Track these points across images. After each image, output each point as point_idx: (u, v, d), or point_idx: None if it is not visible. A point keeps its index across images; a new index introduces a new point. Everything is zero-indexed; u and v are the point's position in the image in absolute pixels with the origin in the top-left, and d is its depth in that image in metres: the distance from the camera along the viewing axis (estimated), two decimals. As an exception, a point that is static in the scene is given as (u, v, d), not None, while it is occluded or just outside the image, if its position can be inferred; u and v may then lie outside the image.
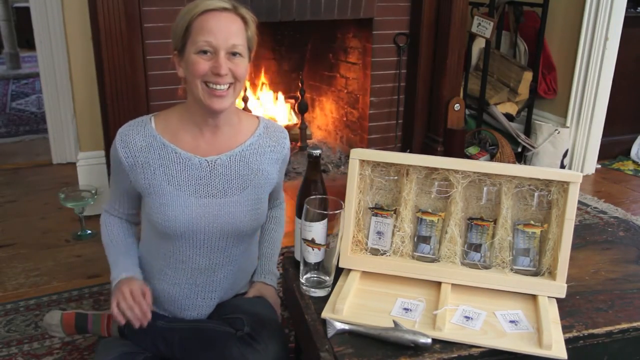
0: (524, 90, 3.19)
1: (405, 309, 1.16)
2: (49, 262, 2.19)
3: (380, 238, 1.29)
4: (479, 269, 1.25)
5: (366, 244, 1.29)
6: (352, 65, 3.01)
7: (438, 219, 1.28)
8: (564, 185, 1.20)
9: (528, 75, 3.16)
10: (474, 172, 1.24)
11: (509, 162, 2.99)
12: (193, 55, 1.24)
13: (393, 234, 1.28)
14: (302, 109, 3.08)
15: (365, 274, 1.27)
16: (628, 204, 2.87)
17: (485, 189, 1.26)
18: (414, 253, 1.28)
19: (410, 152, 2.92)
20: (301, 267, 1.21)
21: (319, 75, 3.31)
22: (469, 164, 1.23)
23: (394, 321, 1.07)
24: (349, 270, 1.27)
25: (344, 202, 1.22)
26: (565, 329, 1.11)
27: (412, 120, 2.95)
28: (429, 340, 1.03)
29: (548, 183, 1.22)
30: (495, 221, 1.26)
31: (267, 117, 2.71)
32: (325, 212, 1.16)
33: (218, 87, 1.26)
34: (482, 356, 1.06)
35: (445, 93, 2.83)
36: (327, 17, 2.64)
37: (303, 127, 3.14)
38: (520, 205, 1.26)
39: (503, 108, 3.19)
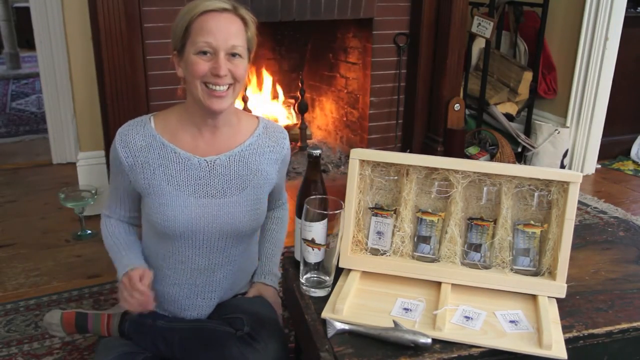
0: (524, 90, 3.19)
1: (405, 309, 1.16)
2: (49, 262, 2.19)
3: (380, 238, 1.29)
4: (479, 269, 1.25)
5: (366, 244, 1.29)
6: (352, 65, 3.01)
7: (438, 219, 1.28)
8: (564, 185, 1.20)
9: (528, 75, 3.16)
10: (474, 172, 1.24)
11: (509, 162, 2.99)
12: (192, 55, 1.24)
13: (393, 234, 1.28)
14: (302, 109, 3.08)
15: (365, 274, 1.27)
16: (628, 204, 2.87)
17: (485, 189, 1.26)
18: (414, 253, 1.28)
19: (410, 152, 2.92)
20: (301, 267, 1.21)
21: (319, 75, 3.30)
22: (469, 164, 1.23)
23: (394, 321, 1.07)
24: (349, 270, 1.27)
25: (344, 202, 1.22)
26: (565, 329, 1.11)
27: (412, 120, 2.94)
28: (429, 340, 1.03)
29: (548, 183, 1.22)
30: (495, 221, 1.26)
31: (268, 117, 2.72)
32: (325, 212, 1.16)
33: (217, 87, 1.26)
34: (482, 356, 1.06)
35: (445, 93, 2.83)
36: (327, 17, 2.63)
37: (303, 127, 3.13)
38: (520, 205, 1.26)
39: (503, 108, 3.19)
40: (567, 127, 3.18)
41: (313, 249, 1.17)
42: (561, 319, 1.14)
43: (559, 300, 1.19)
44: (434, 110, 2.92)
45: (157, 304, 1.41)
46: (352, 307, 1.15)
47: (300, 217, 1.19)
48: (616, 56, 3.05)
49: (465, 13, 2.74)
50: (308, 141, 3.21)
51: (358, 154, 1.26)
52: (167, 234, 1.34)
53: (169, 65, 1.36)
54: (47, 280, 2.06)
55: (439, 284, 1.23)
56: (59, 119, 3.09)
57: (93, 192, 2.36)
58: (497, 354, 1.06)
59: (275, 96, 3.29)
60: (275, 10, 2.50)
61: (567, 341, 1.08)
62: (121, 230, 1.45)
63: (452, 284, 1.22)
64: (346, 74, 3.08)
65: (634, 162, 3.46)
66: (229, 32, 1.25)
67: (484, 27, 2.99)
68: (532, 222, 1.25)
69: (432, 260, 1.27)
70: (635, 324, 1.14)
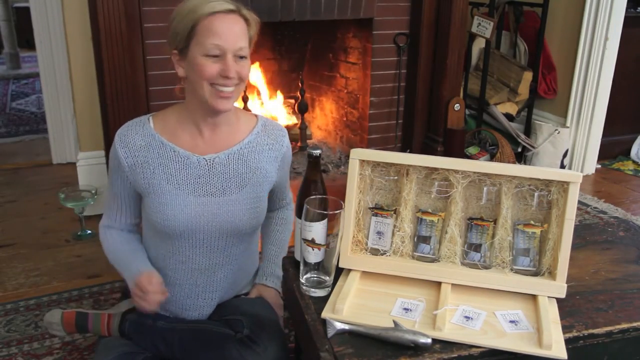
0: (524, 90, 3.19)
1: (405, 309, 1.16)
2: (49, 262, 2.19)
3: (380, 238, 1.29)
4: (479, 269, 1.24)
5: (366, 244, 1.29)
6: (352, 65, 3.01)
7: (438, 219, 1.27)
8: (564, 185, 1.20)
9: (528, 75, 3.17)
10: (474, 172, 1.24)
11: (509, 162, 2.99)
12: (201, 57, 1.24)
13: (393, 234, 1.28)
14: (302, 109, 3.08)
15: (365, 274, 1.27)
16: (628, 204, 2.87)
17: (485, 189, 1.26)
18: (414, 253, 1.28)
19: (410, 152, 2.92)
20: (301, 267, 1.21)
21: (319, 75, 3.30)
22: (469, 164, 1.23)
23: (394, 321, 1.07)
24: (349, 270, 1.26)
25: (344, 202, 1.21)
26: (565, 329, 1.11)
27: (412, 120, 2.94)
28: (429, 340, 1.03)
29: (548, 183, 1.22)
30: (495, 221, 1.26)
31: (269, 117, 2.71)
32: (325, 212, 1.16)
33: (225, 89, 1.27)
34: (482, 356, 1.06)
35: (445, 93, 2.83)
36: (327, 17, 2.63)
37: (303, 127, 3.13)
38: (520, 205, 1.26)
39: (503, 108, 3.19)
40: (567, 127, 3.18)
41: (313, 249, 1.17)
42: (561, 319, 1.13)
43: (559, 300, 1.19)
44: (434, 110, 2.92)
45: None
46: (352, 307, 1.15)
47: (300, 217, 1.19)
48: (616, 56, 3.05)
49: (465, 13, 2.74)
50: (308, 141, 3.21)
51: (358, 154, 1.26)
52: (168, 233, 1.34)
53: (169, 65, 1.36)
54: (47, 280, 2.06)
55: (439, 284, 1.23)
56: (59, 119, 3.09)
57: (93, 192, 2.36)
58: (497, 354, 1.06)
59: (272, 96, 3.30)
60: (275, 10, 2.50)
61: (567, 341, 1.08)
62: (122, 240, 1.43)
63: (452, 284, 1.22)
64: (346, 74, 3.08)
65: (634, 162, 3.46)
66: (236, 34, 1.25)
67: (484, 27, 2.99)
68: (532, 222, 1.25)
69: (432, 260, 1.27)
70: (635, 324, 1.14)
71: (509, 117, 3.20)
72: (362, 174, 1.28)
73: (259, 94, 3.24)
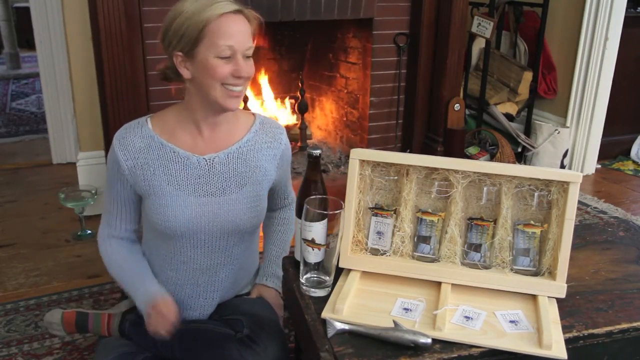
0: (524, 90, 3.19)
1: (405, 309, 1.15)
2: (49, 262, 2.19)
3: (380, 238, 1.29)
4: (479, 269, 1.24)
5: (366, 244, 1.29)
6: (352, 65, 3.01)
7: (438, 219, 1.27)
8: (564, 185, 1.20)
9: (528, 75, 3.17)
10: (474, 172, 1.24)
11: (509, 162, 2.99)
12: (213, 59, 1.24)
13: (393, 234, 1.28)
14: (302, 109, 3.08)
15: (365, 274, 1.27)
16: (628, 204, 2.87)
17: (485, 189, 1.26)
18: (414, 253, 1.28)
19: (410, 152, 2.92)
20: (301, 267, 1.21)
21: (319, 75, 3.30)
22: (469, 164, 1.23)
23: (394, 321, 1.07)
24: (349, 270, 1.26)
25: (344, 202, 1.21)
26: (565, 329, 1.11)
27: (412, 120, 2.94)
28: (429, 340, 1.03)
29: (548, 183, 1.22)
30: (495, 221, 1.26)
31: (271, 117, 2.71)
32: (325, 212, 1.16)
33: (236, 88, 1.28)
34: (482, 356, 1.06)
35: (445, 93, 2.83)
36: (327, 17, 2.63)
37: (303, 127, 3.13)
38: (520, 205, 1.26)
39: (503, 108, 3.19)
40: (567, 127, 3.18)
41: (313, 249, 1.17)
42: (561, 319, 1.13)
43: (559, 300, 1.19)
44: (434, 110, 2.91)
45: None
46: (352, 307, 1.15)
47: (300, 217, 1.19)
48: (616, 56, 3.05)
49: (465, 13, 2.74)
50: (308, 141, 3.21)
51: (358, 154, 1.26)
52: (169, 234, 1.34)
53: (160, 66, 1.37)
54: (47, 280, 2.06)
55: (439, 284, 1.23)
56: (59, 119, 3.09)
57: (93, 192, 2.36)
58: (497, 354, 1.06)
59: (274, 97, 3.30)
60: (275, 10, 2.50)
61: (567, 341, 1.08)
62: (126, 254, 1.41)
63: (452, 284, 1.22)
64: (346, 74, 3.08)
65: (634, 162, 3.46)
66: (244, 34, 1.27)
67: (484, 27, 2.99)
68: (532, 222, 1.25)
69: (432, 260, 1.27)
70: (635, 324, 1.14)
71: (509, 117, 3.20)
72: (362, 174, 1.28)
73: (259, 93, 3.24)
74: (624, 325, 1.13)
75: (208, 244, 1.37)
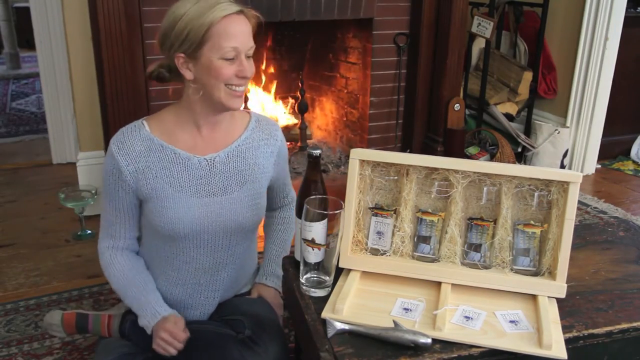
0: (524, 90, 3.19)
1: (405, 309, 1.15)
2: (49, 262, 2.19)
3: (380, 238, 1.29)
4: (479, 269, 1.24)
5: (366, 244, 1.29)
6: (352, 65, 3.01)
7: (438, 219, 1.27)
8: (564, 185, 1.20)
9: (528, 75, 3.16)
10: (474, 172, 1.24)
11: (509, 162, 2.99)
12: (218, 60, 1.24)
13: (393, 234, 1.28)
14: (302, 109, 3.08)
15: (365, 274, 1.27)
16: (628, 204, 2.87)
17: (485, 189, 1.26)
18: (414, 253, 1.28)
19: (410, 152, 2.92)
20: (301, 267, 1.21)
21: (319, 75, 3.30)
22: (469, 164, 1.23)
23: (394, 321, 1.07)
24: (349, 270, 1.26)
25: (344, 202, 1.21)
26: (565, 329, 1.11)
27: (412, 120, 2.94)
28: (429, 340, 1.03)
29: (548, 183, 1.22)
30: (495, 221, 1.26)
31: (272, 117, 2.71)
32: (325, 212, 1.16)
33: (240, 88, 1.29)
34: (482, 356, 1.06)
35: (445, 93, 2.83)
36: (327, 17, 2.63)
37: (303, 127, 3.13)
38: (520, 205, 1.26)
39: (503, 108, 3.19)
40: (567, 127, 3.18)
41: (313, 249, 1.17)
42: (561, 319, 1.13)
43: (559, 300, 1.19)
44: (434, 110, 2.91)
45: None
46: (352, 307, 1.15)
47: (300, 217, 1.19)
48: (616, 56, 3.05)
49: (465, 13, 2.74)
50: (308, 141, 3.21)
51: (358, 154, 1.26)
52: (172, 236, 1.34)
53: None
54: (47, 280, 2.06)
55: (439, 284, 1.23)
56: (59, 119, 3.09)
57: (93, 192, 2.36)
58: (497, 354, 1.06)
59: (275, 97, 3.30)
60: (275, 10, 2.50)
61: (567, 341, 1.08)
62: (129, 267, 1.39)
63: (452, 284, 1.22)
64: (346, 74, 3.08)
65: (634, 162, 3.46)
66: (247, 35, 1.27)
67: (484, 27, 2.99)
68: (532, 222, 1.25)
69: (432, 260, 1.27)
70: (635, 324, 1.14)
71: (509, 117, 3.20)
72: (362, 174, 1.28)
73: (259, 93, 3.24)
74: (624, 325, 1.13)
75: (211, 244, 1.37)
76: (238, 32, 1.25)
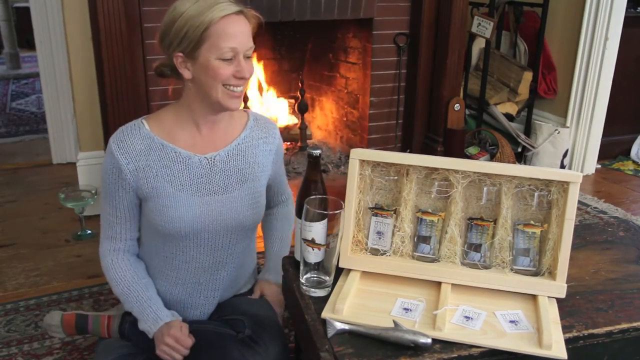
0: (524, 90, 3.19)
1: (405, 309, 1.15)
2: (49, 262, 2.19)
3: (380, 238, 1.29)
4: (479, 269, 1.24)
5: (366, 244, 1.29)
6: (352, 65, 3.01)
7: (438, 219, 1.27)
8: (564, 185, 1.20)
9: (528, 75, 3.16)
10: (474, 172, 1.24)
11: (509, 162, 2.99)
12: (215, 60, 1.24)
13: (393, 234, 1.28)
14: (302, 109, 3.08)
15: (365, 274, 1.27)
16: (628, 204, 2.87)
17: (485, 189, 1.26)
18: (414, 253, 1.28)
19: (410, 152, 2.92)
20: (301, 267, 1.21)
21: (319, 75, 3.30)
22: (469, 164, 1.23)
23: (394, 321, 1.07)
24: (349, 270, 1.26)
25: (344, 202, 1.21)
26: (565, 329, 1.11)
27: (412, 120, 2.95)
28: (429, 340, 1.03)
29: (548, 183, 1.22)
30: (495, 221, 1.26)
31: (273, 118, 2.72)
32: (325, 212, 1.16)
33: (238, 89, 1.28)
34: (482, 356, 1.06)
35: (445, 93, 2.83)
36: (327, 17, 2.64)
37: (303, 127, 3.13)
38: (520, 205, 1.26)
39: (503, 108, 3.19)
40: (567, 127, 3.18)
41: (313, 249, 1.17)
42: (561, 319, 1.13)
43: (559, 300, 1.19)
44: (434, 110, 2.92)
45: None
46: (352, 307, 1.15)
47: (300, 217, 1.19)
48: (616, 56, 3.05)
49: (465, 13, 2.74)
50: (308, 141, 3.21)
51: (358, 154, 1.26)
52: (172, 235, 1.34)
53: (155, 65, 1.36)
54: (47, 280, 2.06)
55: (439, 284, 1.23)
56: (59, 119, 3.09)
57: (93, 192, 2.36)
58: (497, 354, 1.06)
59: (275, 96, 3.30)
60: (275, 10, 2.50)
61: (567, 341, 1.08)
62: (131, 271, 1.38)
63: (452, 284, 1.22)
64: (346, 74, 3.08)
65: (634, 162, 3.46)
66: (246, 35, 1.27)
67: (484, 27, 2.99)
68: (532, 222, 1.25)
69: (432, 260, 1.27)
70: (635, 324, 1.14)
71: (509, 117, 3.20)
72: (362, 174, 1.28)
73: (259, 93, 3.24)
74: (624, 325, 1.13)
75: (211, 243, 1.37)
76: (237, 33, 1.24)
